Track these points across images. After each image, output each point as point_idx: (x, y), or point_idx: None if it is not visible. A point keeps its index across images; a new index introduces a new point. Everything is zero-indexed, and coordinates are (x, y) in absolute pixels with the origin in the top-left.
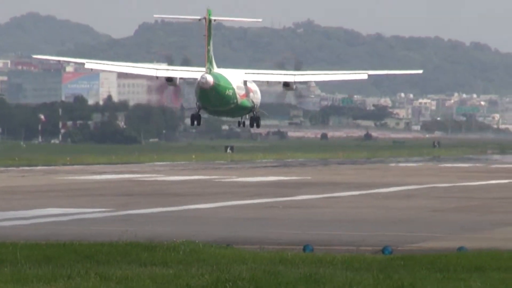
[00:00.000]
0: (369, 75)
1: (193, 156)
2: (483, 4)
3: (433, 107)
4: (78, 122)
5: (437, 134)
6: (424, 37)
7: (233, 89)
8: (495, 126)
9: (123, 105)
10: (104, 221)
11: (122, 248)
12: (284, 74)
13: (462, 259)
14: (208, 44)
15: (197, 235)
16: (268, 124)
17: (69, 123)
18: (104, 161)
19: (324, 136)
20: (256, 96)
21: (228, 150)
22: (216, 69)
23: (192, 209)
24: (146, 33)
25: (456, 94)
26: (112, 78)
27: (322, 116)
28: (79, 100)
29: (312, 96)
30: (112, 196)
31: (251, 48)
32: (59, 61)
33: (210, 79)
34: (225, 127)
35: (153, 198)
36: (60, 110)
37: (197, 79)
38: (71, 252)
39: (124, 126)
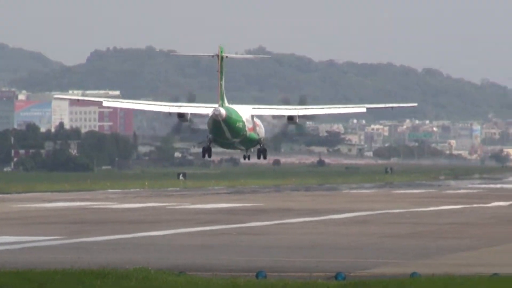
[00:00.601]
0: (367, 108)
1: (146, 184)
2: (435, 30)
3: (386, 133)
4: (31, 150)
5: (393, 160)
6: (377, 63)
7: (243, 122)
8: (448, 152)
9: (75, 133)
10: (57, 249)
11: (75, 276)
12: (288, 109)
13: (415, 285)
14: (221, 80)
15: (150, 263)
16: (220, 151)
17: (22, 151)
18: (57, 189)
19: (276, 162)
20: (261, 130)
21: (181, 177)
22: (227, 104)
23: (145, 237)
24: (98, 60)
25: (408, 120)
26: (64, 105)
27: (275, 142)
28: (31, 128)
29: (265, 123)
30: (64, 223)
31: (204, 75)
32: (69, 98)
33: (223, 111)
34: (177, 154)
35: (105, 225)
36: (12, 138)
37: (207, 114)
38: (25, 280)
39: (77, 154)
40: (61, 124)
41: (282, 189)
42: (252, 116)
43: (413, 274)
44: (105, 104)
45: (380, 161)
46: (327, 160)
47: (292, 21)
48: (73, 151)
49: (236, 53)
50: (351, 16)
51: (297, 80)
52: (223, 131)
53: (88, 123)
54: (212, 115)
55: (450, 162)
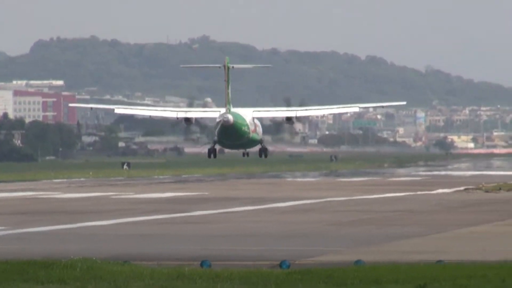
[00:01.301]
0: (360, 108)
1: (90, 173)
2: (378, 17)
3: (330, 121)
4: None
5: (337, 148)
6: (320, 51)
7: (247, 125)
8: (392, 140)
9: (19, 123)
10: (0, 240)
11: (19, 266)
12: (287, 110)
13: (359, 273)
14: (227, 88)
15: (95, 252)
16: (164, 140)
17: None
18: (0, 179)
19: (221, 151)
20: (260, 130)
21: (125, 167)
22: (232, 109)
23: (89, 226)
24: (42, 50)
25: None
26: (8, 95)
27: None
28: None
29: None
30: (8, 214)
31: (147, 64)
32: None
33: (231, 118)
34: (121, 144)
35: (50, 215)
36: None
37: (211, 117)
38: None
39: (21, 144)
40: (5, 115)
41: (227, 177)
42: (253, 118)
43: (357, 262)
44: (117, 111)
45: (324, 149)
46: (271, 148)
47: (236, 10)
48: (17, 141)
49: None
50: (294, 4)
51: (240, 69)
52: (231, 135)
53: (32, 113)
54: (221, 121)
55: (394, 149)
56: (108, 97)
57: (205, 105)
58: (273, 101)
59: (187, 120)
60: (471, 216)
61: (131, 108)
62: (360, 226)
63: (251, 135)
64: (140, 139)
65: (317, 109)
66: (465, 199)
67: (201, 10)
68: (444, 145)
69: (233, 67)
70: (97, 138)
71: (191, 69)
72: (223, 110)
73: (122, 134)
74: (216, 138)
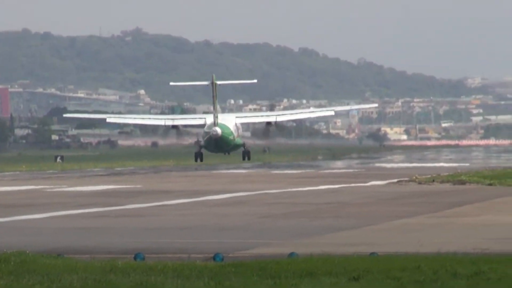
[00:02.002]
0: (335, 112)
1: (23, 166)
2: (310, 10)
3: None
4: None
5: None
6: (253, 43)
7: (232, 133)
8: (325, 132)
9: None
10: None
11: None
12: (267, 116)
13: (293, 265)
14: (215, 102)
15: (28, 246)
16: (98, 133)
17: None
18: None
19: (154, 144)
20: (241, 132)
21: (58, 160)
22: (219, 120)
23: (22, 220)
24: None
25: (285, 100)
26: None
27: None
28: None
29: (142, 104)
30: None
31: (79, 57)
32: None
33: (219, 130)
34: (55, 137)
35: None
36: None
37: (197, 124)
38: None
39: None
40: None
41: (160, 170)
42: (235, 124)
43: (291, 254)
44: (108, 120)
45: (257, 141)
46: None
47: (168, 2)
48: None
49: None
50: None
51: (174, 61)
52: (219, 145)
53: None
54: (210, 134)
55: (328, 141)
56: (40, 90)
57: (137, 97)
58: (206, 94)
59: (174, 127)
60: (404, 208)
61: (123, 117)
62: (294, 219)
63: (236, 140)
64: (73, 132)
65: (294, 113)
66: (398, 191)
67: (133, 3)
68: (377, 137)
69: (220, 84)
70: (30, 131)
71: (123, 61)
72: (208, 117)
73: (55, 127)
74: (203, 144)
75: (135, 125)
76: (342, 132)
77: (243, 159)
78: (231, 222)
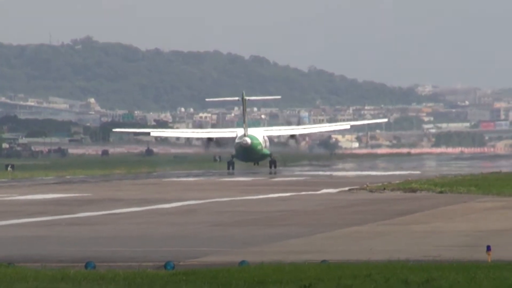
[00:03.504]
0: (351, 126)
1: None
2: (261, 18)
3: (214, 121)
4: None
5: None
6: (203, 51)
7: (260, 144)
8: (276, 140)
9: None
10: None
11: None
12: (291, 129)
13: (243, 273)
14: (244, 116)
15: None
16: (48, 141)
17: None
18: None
19: (105, 152)
20: (268, 145)
21: (9, 168)
22: (249, 132)
23: None
24: None
25: (236, 108)
26: None
27: (103, 132)
28: None
29: (92, 112)
30: None
31: (30, 65)
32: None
33: (249, 141)
34: (5, 145)
35: None
36: None
37: (230, 137)
38: None
39: None
40: None
41: (111, 178)
42: (263, 137)
43: (242, 263)
44: (152, 134)
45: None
46: (155, 149)
47: (118, 10)
48: None
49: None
50: (177, 4)
51: (124, 69)
52: (249, 153)
53: None
54: (240, 143)
55: (278, 149)
56: None
57: (88, 105)
58: (157, 102)
59: (210, 139)
60: (355, 216)
61: (166, 131)
62: (245, 227)
63: (263, 150)
64: (24, 140)
65: (313, 127)
66: (349, 199)
67: (84, 11)
68: (328, 145)
69: (249, 99)
70: None
71: (74, 69)
72: (239, 130)
73: (6, 135)
74: (235, 154)
75: (177, 138)
76: (293, 140)
77: (270, 167)
78: (182, 231)
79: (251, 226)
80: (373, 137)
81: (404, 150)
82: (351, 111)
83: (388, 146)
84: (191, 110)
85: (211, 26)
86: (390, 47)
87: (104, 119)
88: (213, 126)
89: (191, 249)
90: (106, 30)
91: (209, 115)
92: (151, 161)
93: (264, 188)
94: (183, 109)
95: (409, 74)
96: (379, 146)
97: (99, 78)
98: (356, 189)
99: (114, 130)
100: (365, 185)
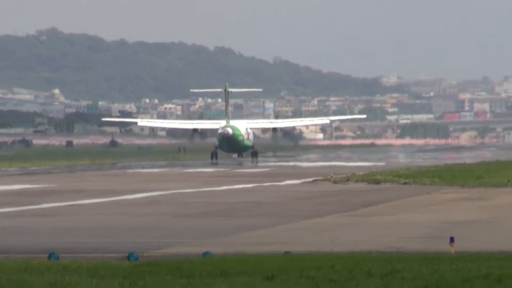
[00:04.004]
0: (330, 120)
1: None
2: (226, 8)
3: (179, 112)
4: None
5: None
6: (168, 42)
7: (242, 135)
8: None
9: None
10: None
11: None
12: (273, 122)
13: (207, 264)
14: (227, 108)
15: None
16: (12, 132)
17: None
18: None
19: (69, 143)
20: (251, 137)
21: None
22: (230, 123)
23: None
24: None
25: (200, 99)
26: None
27: (67, 123)
28: None
29: (57, 103)
30: None
31: None
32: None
33: (230, 131)
34: None
35: None
36: None
37: (213, 128)
38: None
39: None
40: None
41: (75, 169)
42: (246, 129)
43: (205, 254)
44: (140, 124)
45: (173, 141)
46: (120, 140)
47: (83, 1)
48: None
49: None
50: None
51: (90, 60)
52: (230, 143)
53: None
54: (222, 133)
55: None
56: None
57: (52, 96)
58: (122, 93)
59: (195, 130)
60: (319, 207)
61: (153, 122)
62: (208, 218)
63: (245, 142)
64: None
65: (294, 120)
66: (313, 190)
67: (48, 2)
68: (292, 136)
69: (231, 91)
70: None
71: (39, 60)
72: (222, 122)
73: None
74: (218, 144)
75: (163, 129)
76: (258, 131)
77: (252, 158)
78: (146, 222)
79: (214, 217)
80: (337, 128)
81: (369, 141)
82: (315, 102)
83: (352, 137)
84: (156, 101)
85: (176, 17)
86: (355, 38)
87: (68, 110)
88: (178, 117)
89: (154, 240)
90: (71, 21)
91: (174, 106)
92: (116, 152)
93: (228, 179)
94: (147, 100)
95: (374, 65)
96: (343, 137)
97: (64, 69)
98: (320, 180)
99: (103, 119)
100: (329, 176)
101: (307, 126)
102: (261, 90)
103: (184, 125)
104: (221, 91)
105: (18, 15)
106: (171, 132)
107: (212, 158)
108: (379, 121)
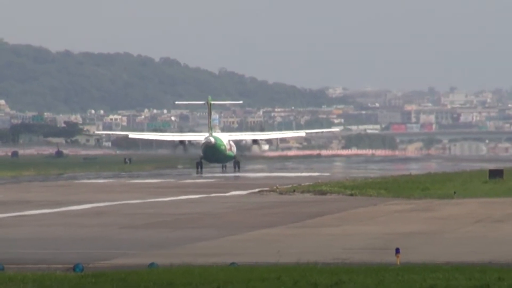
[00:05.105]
0: (306, 133)
1: None
2: (172, 20)
3: (124, 123)
4: None
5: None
6: (114, 53)
7: (224, 145)
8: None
9: None
10: None
11: None
12: (253, 135)
13: (153, 276)
14: (209, 119)
15: None
16: None
17: None
18: None
19: (15, 153)
20: (234, 149)
21: None
22: (214, 134)
23: None
24: None
25: (146, 110)
26: None
27: (13, 134)
28: None
29: (2, 114)
30: None
31: None
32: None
33: (213, 140)
34: None
35: None
36: None
37: (199, 140)
38: None
39: None
40: None
41: (20, 180)
42: (229, 141)
43: (151, 265)
44: (131, 136)
45: (118, 152)
46: (65, 151)
47: (28, 12)
48: None
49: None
50: (86, 5)
51: (35, 71)
52: (213, 152)
53: None
54: (205, 143)
55: (189, 151)
56: None
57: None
58: (67, 104)
59: (181, 142)
60: (265, 218)
61: (143, 134)
62: (154, 229)
63: (227, 152)
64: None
65: (273, 133)
66: (259, 201)
67: None
68: (239, 147)
69: (213, 103)
70: None
71: None
72: (207, 134)
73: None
74: (202, 154)
75: (87, 140)
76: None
77: (234, 168)
78: (92, 233)
79: (160, 228)
80: (283, 140)
81: (315, 152)
82: (261, 113)
83: (298, 148)
84: (101, 112)
85: (121, 28)
86: (301, 49)
87: (14, 121)
88: (123, 128)
89: (100, 251)
90: (16, 32)
91: (120, 117)
92: (61, 163)
93: (174, 190)
94: (93, 111)
95: (320, 76)
96: (289, 148)
97: (9, 79)
98: (266, 191)
99: (96, 132)
100: (275, 187)
101: (285, 139)
102: (241, 102)
103: (171, 137)
104: (204, 103)
105: None
106: (117, 143)
107: (197, 168)
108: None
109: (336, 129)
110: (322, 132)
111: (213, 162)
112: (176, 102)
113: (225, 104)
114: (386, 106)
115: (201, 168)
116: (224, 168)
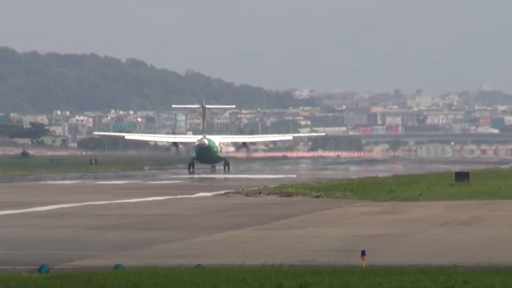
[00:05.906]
0: (293, 137)
1: None
2: (139, 21)
3: (90, 124)
4: None
5: (97, 151)
6: (80, 54)
7: (216, 147)
8: (153, 143)
9: None
10: None
11: None
12: (242, 138)
13: (118, 277)
14: (204, 122)
15: None
16: None
17: None
18: None
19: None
20: (224, 151)
21: None
22: (207, 136)
23: None
24: None
25: (113, 111)
26: None
27: None
28: None
29: None
30: None
31: None
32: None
33: (206, 142)
34: None
35: None
36: None
37: (192, 142)
38: None
39: None
40: None
41: None
42: (220, 143)
43: (117, 266)
44: (127, 137)
45: (84, 152)
46: (31, 152)
47: None
48: None
49: None
50: (53, 5)
51: (1, 71)
52: (205, 153)
53: None
54: (199, 144)
55: (155, 153)
56: None
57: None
58: (33, 105)
59: (175, 144)
60: (231, 220)
61: (138, 135)
62: (120, 231)
63: (219, 154)
64: None
65: (261, 137)
66: (225, 203)
67: None
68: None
69: (208, 108)
70: None
71: None
72: (199, 136)
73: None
74: (194, 155)
75: (53, 141)
76: (169, 144)
77: (224, 168)
78: (57, 234)
79: (126, 229)
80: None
81: (280, 154)
82: (227, 114)
83: (264, 150)
84: (67, 113)
85: (88, 29)
86: (267, 51)
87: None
88: (89, 129)
89: (65, 253)
90: None
91: (86, 118)
92: (27, 164)
93: (140, 192)
94: (59, 112)
95: (286, 78)
96: (255, 150)
97: None
98: (232, 193)
99: (94, 133)
100: (240, 189)
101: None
102: (234, 106)
103: (165, 139)
104: (199, 107)
105: None
106: (82, 144)
107: (189, 168)
108: (291, 134)
109: (321, 134)
110: (308, 136)
111: (205, 163)
112: (173, 106)
113: (220, 108)
114: (352, 108)
115: (193, 167)
116: (213, 168)
